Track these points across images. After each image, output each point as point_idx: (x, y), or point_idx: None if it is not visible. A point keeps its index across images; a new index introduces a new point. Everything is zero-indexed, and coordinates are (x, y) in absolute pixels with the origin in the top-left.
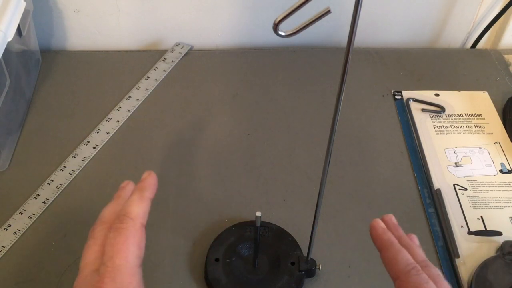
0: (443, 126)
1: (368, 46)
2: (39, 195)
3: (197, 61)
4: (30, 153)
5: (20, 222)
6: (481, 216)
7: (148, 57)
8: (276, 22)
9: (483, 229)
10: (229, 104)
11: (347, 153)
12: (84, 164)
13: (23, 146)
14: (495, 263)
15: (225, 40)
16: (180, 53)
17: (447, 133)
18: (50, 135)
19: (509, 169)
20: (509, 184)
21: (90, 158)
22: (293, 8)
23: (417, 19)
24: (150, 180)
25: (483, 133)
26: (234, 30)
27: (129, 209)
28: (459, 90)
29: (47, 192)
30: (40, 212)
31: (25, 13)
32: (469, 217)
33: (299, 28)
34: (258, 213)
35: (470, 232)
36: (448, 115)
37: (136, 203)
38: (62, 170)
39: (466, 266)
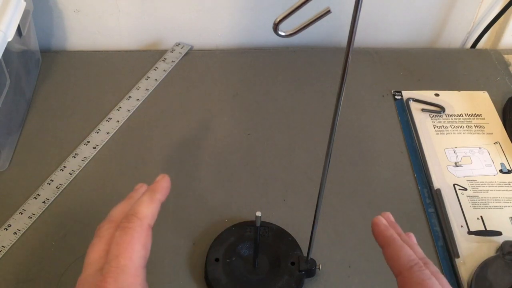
0: (443, 126)
1: (368, 46)
2: (39, 195)
3: (197, 61)
4: (30, 153)
5: (20, 222)
6: (481, 216)
7: (148, 57)
8: (276, 22)
9: (483, 229)
10: (229, 104)
11: (347, 153)
12: (84, 164)
13: (23, 146)
14: (495, 263)
15: (225, 40)
16: (180, 53)
17: (447, 133)
18: (50, 135)
19: (509, 169)
20: (509, 184)
21: (90, 158)
22: (293, 8)
23: (417, 19)
24: (163, 183)
25: (483, 133)
26: (234, 30)
27: (138, 209)
28: (459, 90)
29: (47, 192)
30: (40, 212)
31: (25, 13)
32: (469, 217)
33: (299, 28)
34: (258, 213)
35: (470, 232)
36: (448, 115)
37: (146, 203)
38: (62, 170)
39: (466, 266)
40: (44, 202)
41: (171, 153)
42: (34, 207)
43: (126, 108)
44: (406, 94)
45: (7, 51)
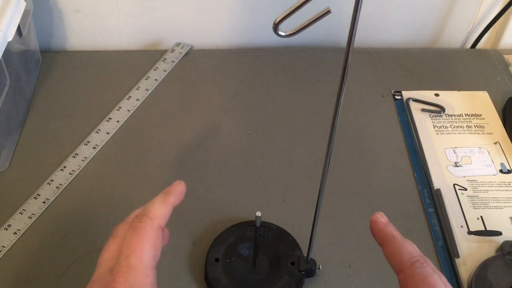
0: (443, 126)
1: (368, 46)
2: (39, 195)
3: (197, 61)
4: (30, 153)
5: (20, 222)
6: (481, 216)
7: (148, 57)
8: (276, 22)
9: (483, 229)
10: (229, 104)
11: (347, 153)
12: (84, 164)
13: (23, 146)
14: (495, 263)
15: (225, 40)
16: (180, 53)
17: (447, 133)
18: (50, 135)
19: (509, 169)
20: (509, 184)
21: (90, 158)
22: (293, 8)
23: (417, 19)
24: (177, 187)
25: (483, 133)
26: (234, 30)
27: (149, 209)
28: (459, 90)
29: (47, 192)
30: (40, 212)
31: (25, 13)
32: (469, 217)
33: (299, 28)
34: (258, 213)
35: (470, 232)
36: (448, 115)
37: (157, 204)
38: (62, 170)
39: (466, 266)
40: (44, 202)
41: (171, 153)
42: (34, 207)
43: (126, 108)
44: (406, 94)
45: (7, 51)
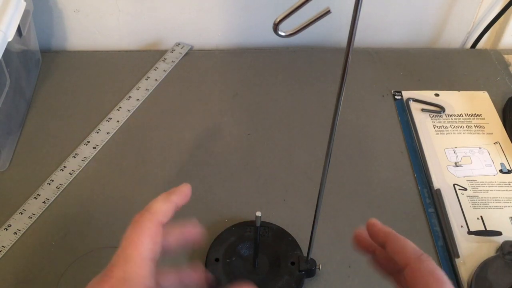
0: (443, 126)
1: (368, 46)
2: (39, 195)
3: (197, 61)
4: (30, 153)
5: (20, 222)
6: (481, 216)
7: (148, 57)
8: (276, 22)
9: (483, 229)
10: (229, 104)
11: (347, 153)
12: (84, 164)
13: (23, 146)
14: (495, 263)
15: (225, 40)
16: (180, 53)
17: (447, 133)
18: (50, 135)
19: (509, 169)
20: (509, 184)
21: (90, 158)
22: (293, 8)
23: (417, 19)
24: (182, 188)
25: (483, 133)
26: (234, 30)
27: (151, 205)
28: (459, 90)
29: (47, 192)
30: (40, 212)
31: (25, 13)
32: (469, 217)
33: (299, 28)
34: (258, 213)
35: (470, 232)
36: (448, 115)
37: (159, 201)
38: (62, 170)
39: (466, 266)
40: (44, 202)
41: (171, 153)
42: (34, 207)
43: (126, 108)
44: (406, 94)
45: (7, 51)
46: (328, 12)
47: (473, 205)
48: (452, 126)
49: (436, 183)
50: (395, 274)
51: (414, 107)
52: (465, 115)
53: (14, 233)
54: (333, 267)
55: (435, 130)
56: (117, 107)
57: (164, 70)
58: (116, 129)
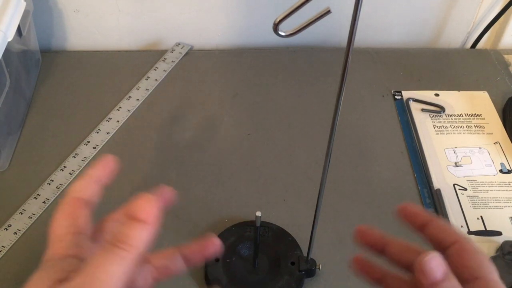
0: (443, 126)
1: (368, 46)
2: (39, 195)
3: (197, 61)
4: (30, 153)
5: (20, 222)
6: (481, 216)
7: (148, 57)
8: (276, 22)
9: (483, 229)
10: (229, 104)
11: (347, 153)
12: (84, 164)
13: (23, 146)
14: (495, 263)
15: (225, 40)
16: (180, 53)
17: (447, 133)
18: (50, 135)
19: (509, 169)
20: (509, 184)
21: (90, 158)
22: (293, 8)
23: (417, 19)
24: (102, 160)
25: (483, 133)
26: (234, 30)
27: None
28: (459, 90)
29: (47, 192)
30: (40, 212)
31: (25, 13)
32: (469, 217)
33: (299, 28)
34: (258, 213)
35: (470, 232)
36: (448, 115)
37: (76, 181)
38: (62, 170)
39: None
40: (44, 202)
41: (171, 153)
42: (34, 207)
43: (126, 108)
44: (406, 94)
45: (7, 51)
46: (328, 12)
47: (473, 205)
48: (452, 126)
49: (436, 183)
50: (387, 277)
51: (414, 107)
52: (465, 115)
53: (14, 233)
54: (333, 267)
55: (435, 130)
56: (117, 107)
57: (164, 70)
58: (116, 129)
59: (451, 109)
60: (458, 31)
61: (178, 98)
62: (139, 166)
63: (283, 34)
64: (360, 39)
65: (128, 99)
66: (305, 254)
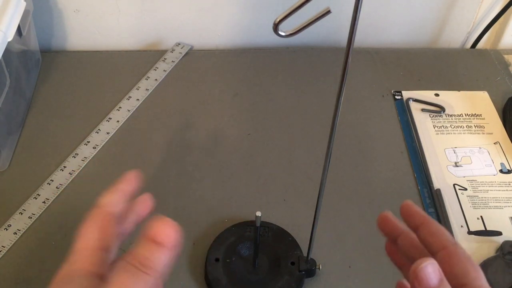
0: (443, 126)
1: (368, 46)
2: (39, 195)
3: (197, 61)
4: (30, 153)
5: (20, 222)
6: (481, 216)
7: (148, 57)
8: (276, 22)
9: (483, 229)
10: (229, 104)
11: (347, 153)
12: (84, 164)
13: (23, 146)
14: (495, 263)
15: (225, 40)
16: (180, 53)
17: (447, 133)
18: (50, 135)
19: (509, 169)
20: (509, 184)
21: (90, 158)
22: (293, 8)
23: (417, 19)
24: (127, 176)
25: (483, 133)
26: (234, 30)
27: (99, 200)
28: (459, 90)
29: (47, 192)
30: (40, 212)
31: (25, 13)
32: (469, 217)
33: (299, 28)
34: (258, 213)
35: (470, 232)
36: (448, 115)
37: (106, 194)
38: (62, 170)
39: None
40: (44, 202)
41: (171, 153)
42: (34, 207)
43: (126, 108)
44: (406, 94)
45: (7, 51)
46: (328, 12)
47: (473, 205)
48: (452, 126)
49: (436, 183)
50: (406, 266)
51: (414, 107)
52: (465, 115)
53: (14, 233)
54: (333, 267)
55: (435, 130)
56: (117, 107)
57: (164, 70)
58: (116, 129)
59: (451, 109)
60: (458, 31)
61: (178, 98)
62: (139, 166)
63: (283, 34)
64: (360, 39)
65: (128, 99)
66: (305, 254)
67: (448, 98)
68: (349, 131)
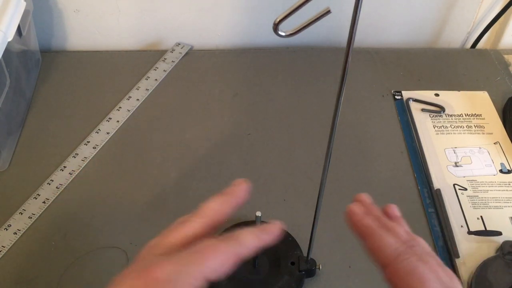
0: (443, 126)
1: (368, 46)
2: (39, 195)
3: (197, 61)
4: (30, 153)
5: (20, 222)
6: (481, 216)
7: (148, 57)
8: (276, 22)
9: (483, 229)
10: (229, 104)
11: (347, 153)
12: (84, 164)
13: (23, 146)
14: (495, 263)
15: (225, 40)
16: (180, 53)
17: (447, 133)
18: (50, 135)
19: (509, 169)
20: (509, 184)
21: (90, 158)
22: (293, 8)
23: (417, 19)
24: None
25: (483, 133)
26: (234, 30)
27: (239, 237)
28: (459, 90)
29: (47, 192)
30: (40, 212)
31: (25, 13)
32: (469, 217)
33: (299, 28)
34: (258, 213)
35: (470, 232)
36: (448, 115)
37: (248, 235)
38: (62, 170)
39: (466, 266)
40: (44, 202)
41: (171, 153)
42: (34, 207)
43: (126, 108)
44: (406, 94)
45: (7, 51)
46: (328, 12)
47: (473, 205)
48: (452, 126)
49: (436, 183)
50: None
51: (414, 107)
52: (465, 115)
53: (14, 233)
54: (333, 267)
55: (435, 130)
56: (117, 107)
57: (164, 70)
58: (116, 129)
59: (451, 109)
60: (458, 31)
61: (178, 98)
62: (139, 166)
63: (283, 34)
64: (360, 39)
65: (128, 99)
66: (305, 254)
67: (448, 98)
68: (349, 131)
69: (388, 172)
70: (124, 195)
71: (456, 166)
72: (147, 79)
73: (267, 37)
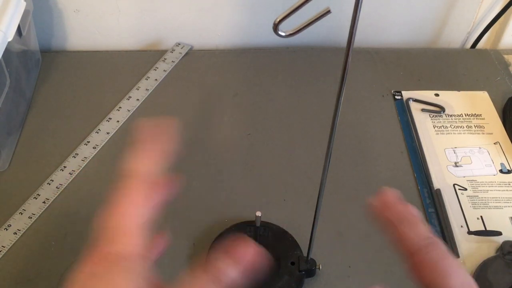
0: (443, 126)
1: (368, 46)
2: (39, 195)
3: (197, 61)
4: (30, 153)
5: (20, 222)
6: (481, 216)
7: (148, 57)
8: (276, 22)
9: (483, 229)
10: (229, 104)
11: (347, 153)
12: (84, 164)
13: (23, 146)
14: (495, 263)
15: (225, 40)
16: (180, 53)
17: (447, 133)
18: (50, 135)
19: (509, 169)
20: (509, 184)
21: (90, 158)
22: (293, 8)
23: (417, 19)
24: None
25: (483, 133)
26: (234, 30)
27: (136, 168)
28: (459, 90)
29: (47, 192)
30: (40, 212)
31: (25, 13)
32: (469, 217)
33: (299, 28)
34: (258, 213)
35: (470, 232)
36: (448, 115)
37: (144, 161)
38: (62, 170)
39: (466, 266)
40: (44, 202)
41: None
42: (34, 207)
43: (126, 108)
44: (406, 94)
45: (7, 51)
46: (328, 12)
47: (473, 205)
48: (452, 126)
49: (436, 183)
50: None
51: (414, 107)
52: (465, 115)
53: (14, 233)
54: (333, 267)
55: (435, 130)
56: (117, 107)
57: (164, 70)
58: (116, 129)
59: (451, 109)
60: (458, 31)
61: (178, 98)
62: None
63: (283, 34)
64: (360, 39)
65: (128, 99)
66: (305, 254)
67: (448, 98)
68: (349, 131)
69: (388, 172)
70: None
71: (456, 166)
72: (147, 79)
73: (267, 37)
